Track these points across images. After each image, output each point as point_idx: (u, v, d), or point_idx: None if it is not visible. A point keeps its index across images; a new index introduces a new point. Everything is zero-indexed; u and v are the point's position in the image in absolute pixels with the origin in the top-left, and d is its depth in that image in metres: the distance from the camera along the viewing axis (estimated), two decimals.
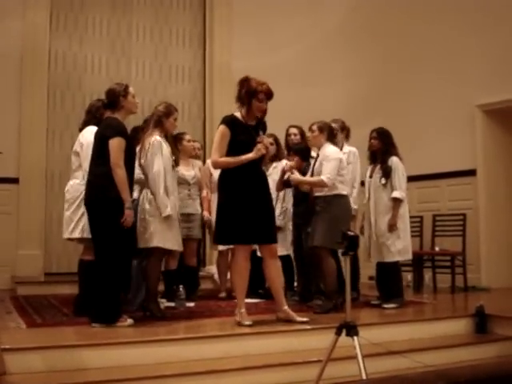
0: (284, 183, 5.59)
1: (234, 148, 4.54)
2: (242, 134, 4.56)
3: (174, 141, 5.72)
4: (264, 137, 4.61)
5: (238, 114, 4.65)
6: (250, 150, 4.52)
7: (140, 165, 4.82)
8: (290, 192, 5.86)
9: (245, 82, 4.60)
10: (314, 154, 5.60)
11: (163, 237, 4.72)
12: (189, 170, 6.01)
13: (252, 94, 4.54)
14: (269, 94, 4.57)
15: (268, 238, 4.61)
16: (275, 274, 4.67)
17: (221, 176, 4.66)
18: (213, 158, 4.63)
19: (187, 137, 6.06)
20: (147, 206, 4.74)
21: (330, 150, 5.27)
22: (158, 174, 4.71)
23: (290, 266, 5.85)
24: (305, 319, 4.58)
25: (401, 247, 5.53)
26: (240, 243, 4.56)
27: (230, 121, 4.61)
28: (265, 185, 4.68)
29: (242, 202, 4.49)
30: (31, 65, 7.43)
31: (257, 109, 4.58)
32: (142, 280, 4.99)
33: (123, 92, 4.56)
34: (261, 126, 4.70)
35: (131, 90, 4.64)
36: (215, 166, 4.72)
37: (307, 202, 5.56)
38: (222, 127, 4.58)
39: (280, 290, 4.71)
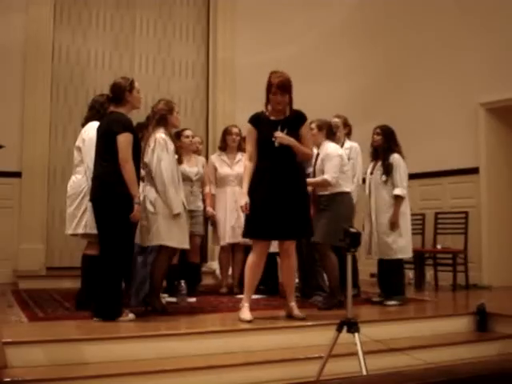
0: None
1: (259, 144, 4.59)
2: (264, 130, 4.58)
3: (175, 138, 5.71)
4: (279, 133, 4.53)
5: (266, 111, 4.67)
6: (268, 146, 4.53)
7: (143, 163, 4.78)
8: None
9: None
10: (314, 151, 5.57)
11: (168, 235, 4.68)
12: (192, 167, 5.99)
13: (268, 88, 4.59)
14: (281, 87, 4.53)
15: (285, 234, 4.58)
16: (289, 270, 4.73)
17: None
18: (244, 159, 4.76)
19: (186, 132, 6.02)
20: (149, 204, 4.69)
21: (330, 148, 5.27)
22: (168, 172, 4.67)
23: None
24: (301, 315, 4.60)
25: (402, 245, 5.52)
26: (257, 238, 4.58)
27: (253, 118, 4.66)
28: (290, 180, 4.55)
29: (260, 198, 4.50)
30: (34, 59, 7.40)
31: (272, 102, 4.59)
32: (146, 276, 4.98)
33: (129, 87, 4.54)
34: (290, 120, 4.62)
35: (137, 84, 4.62)
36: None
37: None
38: (248, 125, 4.66)
39: (290, 285, 4.75)
